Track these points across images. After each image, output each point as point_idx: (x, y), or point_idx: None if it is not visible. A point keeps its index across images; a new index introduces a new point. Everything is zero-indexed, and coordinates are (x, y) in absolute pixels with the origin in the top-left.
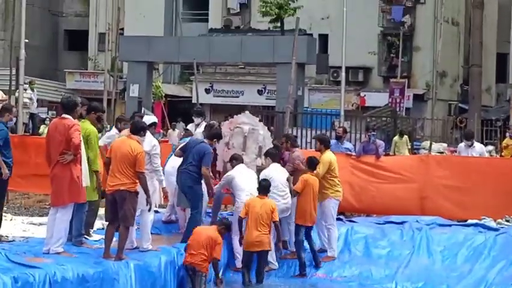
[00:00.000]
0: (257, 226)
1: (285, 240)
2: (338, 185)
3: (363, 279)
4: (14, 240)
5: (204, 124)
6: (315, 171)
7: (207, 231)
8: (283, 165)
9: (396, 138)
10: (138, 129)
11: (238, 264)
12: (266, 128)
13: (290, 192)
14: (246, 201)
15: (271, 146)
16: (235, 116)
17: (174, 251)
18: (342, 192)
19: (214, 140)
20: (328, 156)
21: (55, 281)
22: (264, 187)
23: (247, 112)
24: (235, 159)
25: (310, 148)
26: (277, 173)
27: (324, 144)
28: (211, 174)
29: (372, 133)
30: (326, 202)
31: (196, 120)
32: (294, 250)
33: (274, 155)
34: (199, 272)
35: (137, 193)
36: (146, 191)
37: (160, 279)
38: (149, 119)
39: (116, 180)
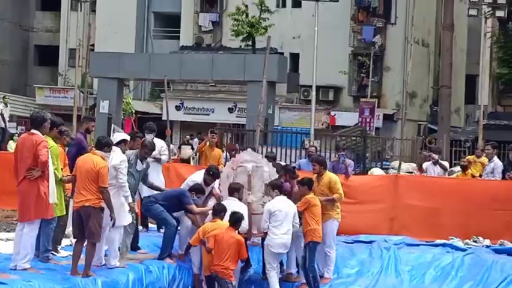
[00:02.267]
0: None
1: (291, 273)
2: (339, 207)
3: None
4: None
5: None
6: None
7: (228, 235)
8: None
9: None
10: (102, 145)
11: None
12: (270, 164)
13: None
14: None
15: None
16: (237, 155)
17: (142, 267)
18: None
19: (193, 193)
20: (335, 176)
21: None
22: (235, 219)
23: (249, 149)
24: (235, 191)
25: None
26: (285, 204)
27: (323, 166)
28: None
29: (342, 153)
30: (329, 223)
31: (148, 136)
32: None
33: (280, 186)
34: (224, 281)
35: (102, 209)
36: (109, 206)
37: None
38: (119, 136)
39: (81, 197)
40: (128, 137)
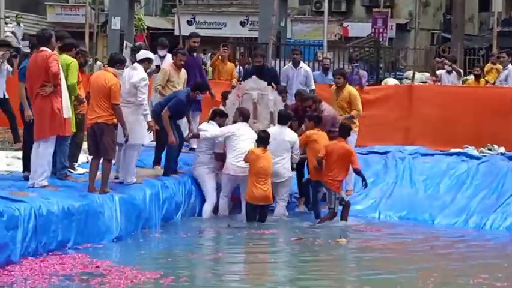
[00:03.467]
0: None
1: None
2: (356, 119)
3: None
4: None
5: (169, 56)
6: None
7: (338, 145)
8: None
9: None
10: (114, 61)
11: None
12: (276, 92)
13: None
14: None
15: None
16: (242, 83)
17: (159, 183)
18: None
19: (197, 92)
20: (355, 90)
21: (40, 214)
22: (262, 139)
23: (254, 77)
24: (243, 116)
25: None
26: (279, 135)
27: (346, 79)
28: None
29: (356, 64)
30: (350, 137)
31: (161, 52)
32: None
33: (283, 116)
34: (331, 191)
35: (115, 125)
36: (122, 123)
37: (145, 212)
38: (143, 53)
39: (94, 114)
40: (152, 56)
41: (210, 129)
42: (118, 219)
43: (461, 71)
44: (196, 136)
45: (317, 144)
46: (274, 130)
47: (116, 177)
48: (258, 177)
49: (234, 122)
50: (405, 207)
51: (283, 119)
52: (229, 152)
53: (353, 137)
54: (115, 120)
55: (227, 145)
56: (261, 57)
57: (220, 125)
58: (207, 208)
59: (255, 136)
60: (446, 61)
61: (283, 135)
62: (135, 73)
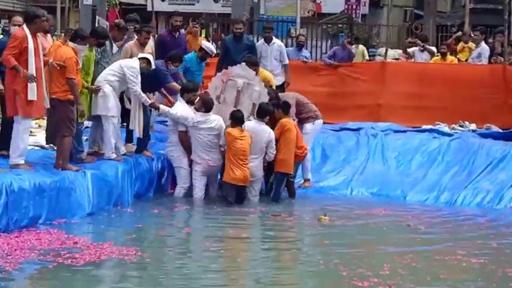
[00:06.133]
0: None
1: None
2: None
3: (319, 186)
4: None
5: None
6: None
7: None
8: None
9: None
10: (76, 36)
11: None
12: (263, 83)
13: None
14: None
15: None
16: (229, 68)
17: (131, 160)
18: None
19: (169, 62)
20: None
21: (12, 190)
22: (237, 118)
23: (243, 64)
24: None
25: None
26: (256, 133)
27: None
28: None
29: (341, 34)
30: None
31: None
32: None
33: (263, 111)
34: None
35: (70, 101)
36: (76, 97)
37: (117, 188)
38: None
39: (51, 89)
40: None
41: (180, 110)
42: (89, 195)
43: (434, 50)
44: (156, 107)
45: (290, 133)
46: (252, 125)
47: (89, 153)
48: (237, 157)
49: (197, 110)
50: (377, 183)
51: (262, 112)
52: (195, 143)
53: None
54: (70, 97)
55: (191, 134)
56: (242, 23)
57: (190, 101)
58: (179, 191)
59: (222, 126)
60: (419, 42)
61: (261, 133)
62: (132, 66)
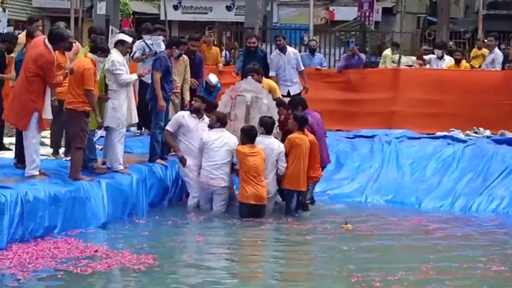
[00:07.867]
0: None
1: None
2: None
3: (333, 193)
4: None
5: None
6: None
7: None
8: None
9: (387, 52)
10: (96, 49)
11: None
12: (270, 96)
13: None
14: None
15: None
16: (236, 83)
17: (145, 168)
18: None
19: (173, 48)
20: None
21: (27, 200)
22: (248, 135)
23: (249, 78)
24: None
25: None
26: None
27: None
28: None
29: (351, 40)
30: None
31: (145, 37)
32: None
33: (268, 125)
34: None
35: (85, 113)
36: (93, 109)
37: (132, 198)
38: (118, 37)
39: (67, 99)
40: (126, 37)
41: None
42: (104, 205)
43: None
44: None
45: (300, 148)
46: (259, 140)
47: (104, 163)
48: (249, 175)
49: (210, 127)
50: (391, 190)
51: (266, 128)
52: (205, 160)
53: None
54: (86, 108)
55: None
56: (256, 38)
57: (198, 109)
58: (190, 203)
59: (235, 143)
60: (438, 51)
61: (270, 147)
62: (108, 59)
